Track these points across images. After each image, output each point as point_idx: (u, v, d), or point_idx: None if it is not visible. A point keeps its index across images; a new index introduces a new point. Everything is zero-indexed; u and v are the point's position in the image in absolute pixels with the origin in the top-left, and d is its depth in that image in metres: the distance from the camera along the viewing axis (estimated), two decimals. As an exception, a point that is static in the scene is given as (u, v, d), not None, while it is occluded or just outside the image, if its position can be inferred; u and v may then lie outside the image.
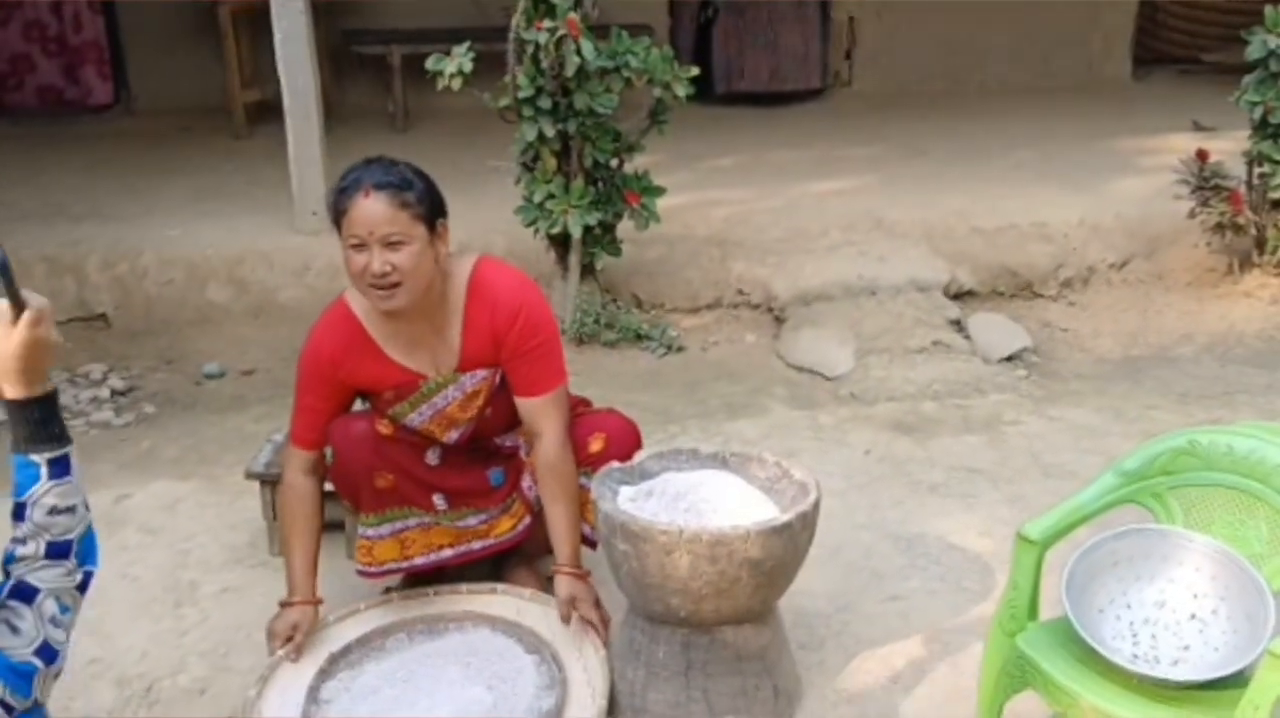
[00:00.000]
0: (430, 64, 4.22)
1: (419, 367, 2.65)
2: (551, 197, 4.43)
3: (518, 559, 2.92)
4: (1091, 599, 2.21)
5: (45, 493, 1.41)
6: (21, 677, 1.38)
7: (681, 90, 4.35)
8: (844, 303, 4.77)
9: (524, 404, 2.68)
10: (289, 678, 2.54)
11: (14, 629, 1.38)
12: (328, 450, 2.69)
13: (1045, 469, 3.64)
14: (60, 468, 1.41)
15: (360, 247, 2.46)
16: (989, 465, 3.67)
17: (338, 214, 2.50)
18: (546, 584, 2.93)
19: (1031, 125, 6.99)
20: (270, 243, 5.03)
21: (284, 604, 2.63)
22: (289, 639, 2.56)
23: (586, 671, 2.55)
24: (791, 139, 6.88)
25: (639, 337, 4.76)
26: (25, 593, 1.40)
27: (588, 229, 4.49)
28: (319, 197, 5.09)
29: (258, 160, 6.10)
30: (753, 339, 4.85)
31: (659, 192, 4.60)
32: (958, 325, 4.68)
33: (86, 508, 1.44)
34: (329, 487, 2.79)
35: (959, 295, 4.99)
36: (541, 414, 2.66)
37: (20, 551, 1.39)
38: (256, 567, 3.12)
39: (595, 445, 2.73)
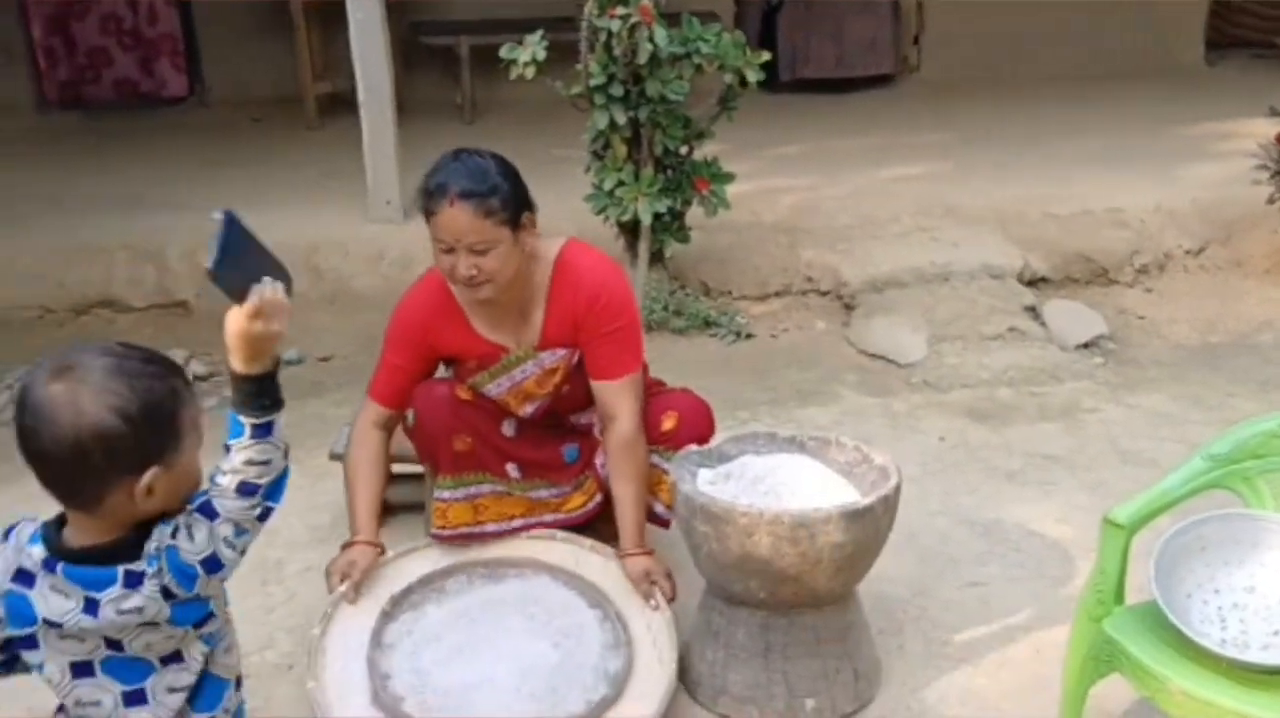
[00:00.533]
0: (504, 53, 4.25)
1: (502, 340, 2.71)
2: (622, 184, 4.45)
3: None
4: (1179, 584, 2.19)
5: (246, 447, 1.56)
6: (186, 576, 1.54)
7: (753, 76, 4.35)
8: (916, 289, 4.74)
9: (599, 387, 2.71)
10: (350, 618, 2.57)
11: (190, 537, 1.54)
12: (409, 413, 2.75)
13: (1124, 456, 3.60)
14: (263, 431, 1.57)
15: (449, 250, 2.53)
16: (1066, 453, 3.64)
17: (425, 213, 2.57)
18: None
19: (1104, 111, 6.89)
20: (345, 232, 5.11)
21: (345, 546, 2.68)
22: (347, 578, 2.60)
23: (651, 631, 2.55)
24: (859, 126, 6.84)
25: (708, 324, 4.76)
26: (209, 512, 1.56)
27: (657, 216, 4.50)
28: (393, 187, 5.18)
29: (330, 151, 6.18)
30: (822, 326, 4.84)
31: (729, 178, 4.60)
32: (1033, 312, 4.63)
33: (285, 458, 1.61)
34: (415, 469, 2.84)
35: (1033, 282, 4.93)
36: (616, 398, 2.69)
37: (219, 479, 1.57)
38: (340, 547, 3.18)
39: (667, 424, 2.76)
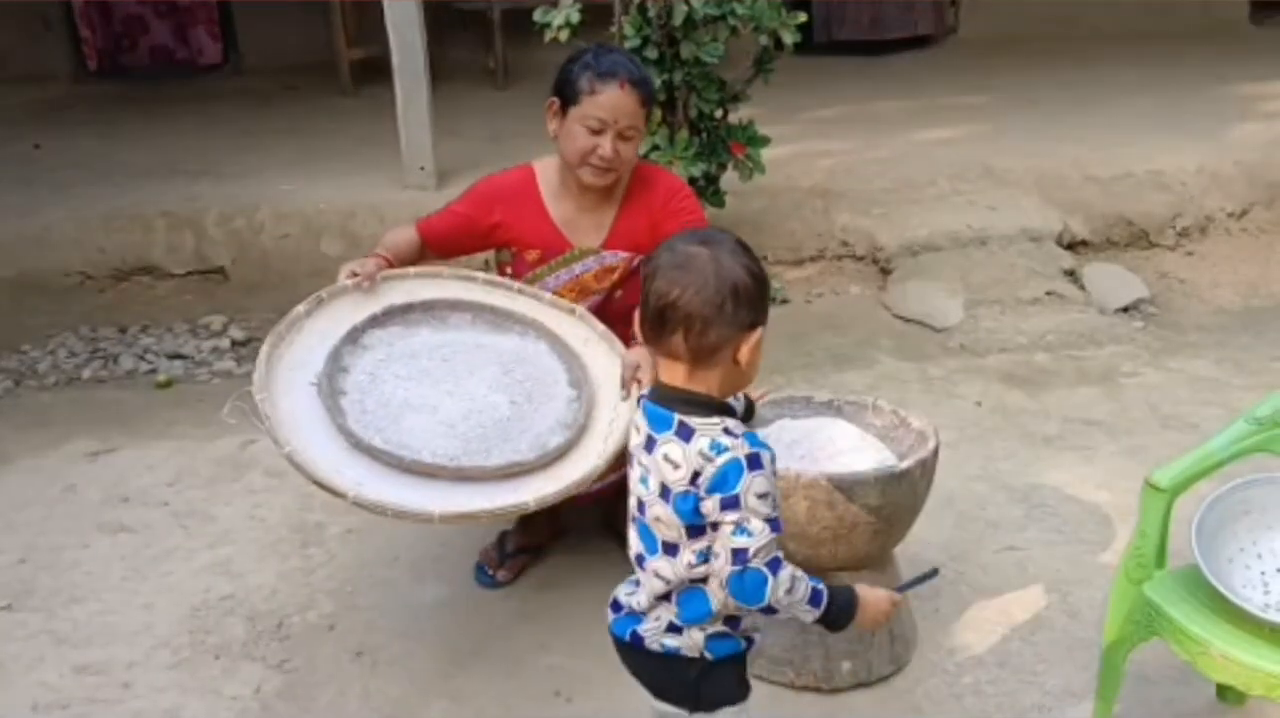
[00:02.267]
0: (538, 16, 4.23)
1: (571, 236, 2.81)
2: (656, 148, 4.42)
3: None
4: (1220, 548, 2.17)
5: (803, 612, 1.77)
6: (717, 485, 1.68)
7: (789, 37, 4.30)
8: (953, 253, 4.70)
9: None
10: (341, 312, 2.59)
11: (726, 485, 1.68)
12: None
13: (1164, 421, 3.57)
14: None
15: (597, 131, 2.65)
16: (1106, 417, 3.61)
17: (579, 91, 2.66)
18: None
19: (1145, 72, 6.77)
20: (380, 198, 5.12)
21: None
22: (355, 276, 2.65)
23: (611, 426, 2.50)
24: (895, 88, 6.77)
25: (743, 289, 4.74)
26: (744, 531, 1.68)
27: (692, 180, 4.47)
28: (427, 153, 5.18)
29: (365, 117, 6.19)
30: (858, 291, 4.81)
31: (764, 142, 4.57)
32: (1072, 276, 4.58)
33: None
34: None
35: (1072, 245, 4.88)
36: None
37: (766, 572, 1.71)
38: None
39: None
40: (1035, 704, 2.44)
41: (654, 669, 1.81)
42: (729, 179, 4.67)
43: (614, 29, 4.27)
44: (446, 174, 5.25)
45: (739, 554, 1.65)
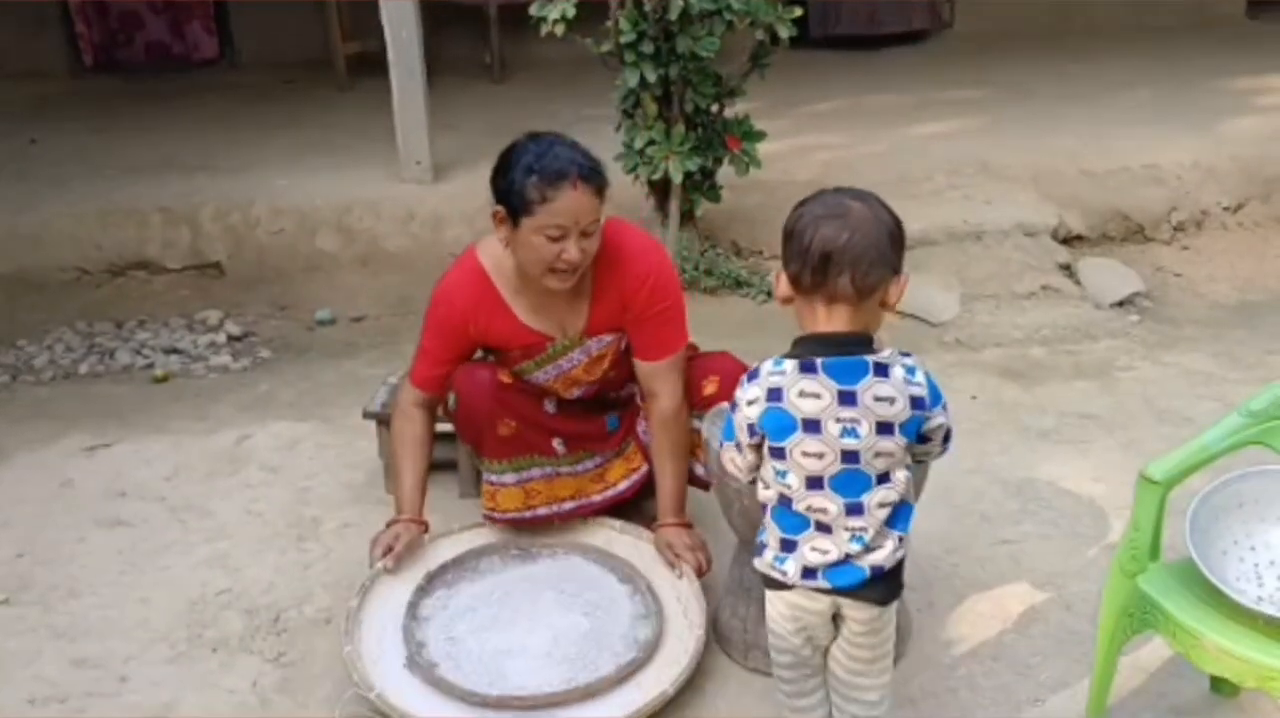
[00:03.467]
0: (534, 10, 4.23)
1: (547, 329, 2.70)
2: (652, 143, 4.43)
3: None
4: (1214, 541, 2.18)
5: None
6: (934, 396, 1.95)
7: (785, 31, 4.31)
8: (948, 248, 4.71)
9: (644, 367, 2.72)
10: (388, 592, 2.64)
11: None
12: (450, 397, 2.77)
13: (1160, 415, 3.58)
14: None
15: (560, 237, 2.46)
16: (1101, 411, 3.62)
17: (529, 201, 2.45)
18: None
19: (1141, 66, 6.78)
20: (376, 193, 5.12)
21: (390, 523, 2.74)
22: (390, 550, 2.66)
23: (681, 601, 2.60)
24: (892, 83, 6.77)
25: (738, 283, 4.75)
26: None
27: (688, 175, 4.48)
28: (423, 147, 5.18)
29: (360, 112, 6.19)
30: (854, 285, 4.81)
31: (760, 136, 4.57)
32: (1067, 270, 4.59)
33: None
34: (448, 428, 2.87)
35: (1068, 240, 4.89)
36: (661, 377, 2.70)
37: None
38: (376, 504, 3.21)
39: (709, 388, 2.75)
40: (1030, 697, 2.45)
41: (886, 586, 1.97)
42: (725, 173, 4.67)
43: (610, 23, 4.27)
44: (442, 168, 5.26)
45: (948, 431, 1.99)
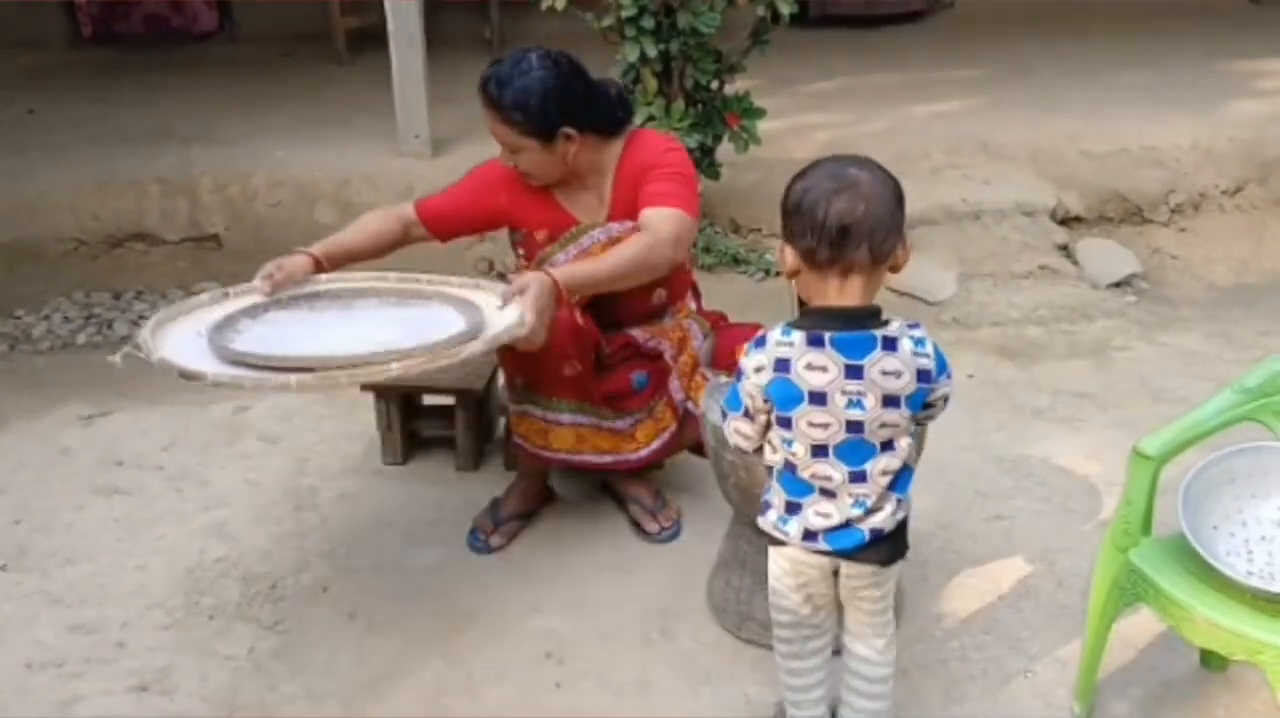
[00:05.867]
0: (534, -16, 4.22)
1: (576, 212, 2.82)
2: (652, 119, 4.42)
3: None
4: (1206, 516, 2.19)
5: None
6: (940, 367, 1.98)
7: (786, 9, 4.30)
8: (947, 227, 4.71)
9: (646, 213, 2.67)
10: (245, 302, 2.56)
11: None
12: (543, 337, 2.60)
13: (1155, 394, 3.59)
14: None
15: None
16: (1096, 390, 3.63)
17: None
18: (658, 494, 3.00)
19: (1142, 47, 6.77)
20: (375, 166, 5.11)
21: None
22: (271, 277, 2.61)
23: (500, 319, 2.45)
24: (891, 62, 6.75)
25: (736, 261, 4.75)
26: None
27: (688, 151, 4.47)
28: (422, 121, 5.17)
29: (359, 85, 6.18)
30: (852, 264, 4.81)
31: (760, 113, 4.57)
32: (1065, 250, 4.60)
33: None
34: (441, 402, 2.87)
35: (1066, 220, 4.89)
36: (658, 218, 2.63)
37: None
38: (373, 475, 3.23)
39: (741, 354, 2.75)
40: (1020, 670, 2.47)
41: (889, 547, 2.01)
42: (724, 151, 4.67)
43: (610, -2, 4.26)
44: (442, 142, 5.25)
45: (948, 397, 2.03)
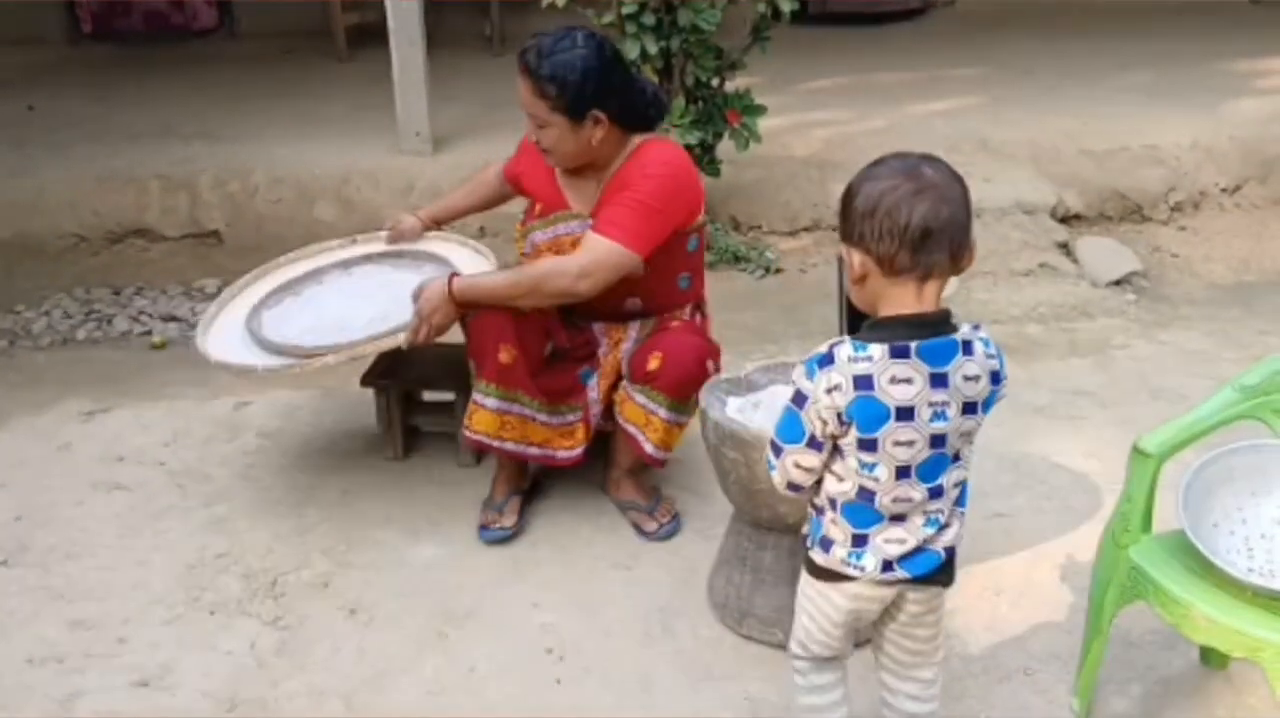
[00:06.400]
0: (535, -19, 4.22)
1: (569, 197, 2.90)
2: (653, 115, 4.42)
3: (619, 473, 2.99)
4: (1206, 514, 2.19)
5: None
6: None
7: (787, 6, 4.30)
8: (947, 225, 4.71)
9: (584, 236, 2.75)
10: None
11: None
12: (468, 316, 2.82)
13: (1154, 392, 3.60)
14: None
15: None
16: (1096, 388, 3.64)
17: None
18: (653, 493, 3.00)
19: (1143, 46, 6.77)
20: (375, 163, 5.11)
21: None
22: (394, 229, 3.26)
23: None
24: (892, 60, 6.75)
25: (737, 258, 4.75)
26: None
27: (688, 149, 4.47)
28: (423, 119, 5.17)
29: (360, 83, 6.17)
30: (852, 262, 4.81)
31: (760, 111, 4.56)
32: (1065, 249, 4.60)
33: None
34: (441, 397, 2.88)
35: (1066, 218, 4.89)
36: (586, 245, 2.72)
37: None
38: (373, 471, 3.24)
39: (652, 364, 2.79)
40: (1020, 667, 2.47)
41: (951, 567, 1.94)
42: (725, 148, 4.67)
43: (612, -5, 4.26)
44: (442, 140, 5.25)
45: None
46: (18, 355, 4.16)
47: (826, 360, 1.79)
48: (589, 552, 2.89)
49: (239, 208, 5.00)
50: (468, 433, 2.86)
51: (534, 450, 2.87)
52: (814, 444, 1.84)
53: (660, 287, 2.89)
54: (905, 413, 1.76)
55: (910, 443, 1.78)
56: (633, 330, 2.94)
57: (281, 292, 3.15)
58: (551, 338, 2.91)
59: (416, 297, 2.75)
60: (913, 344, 1.76)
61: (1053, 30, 7.16)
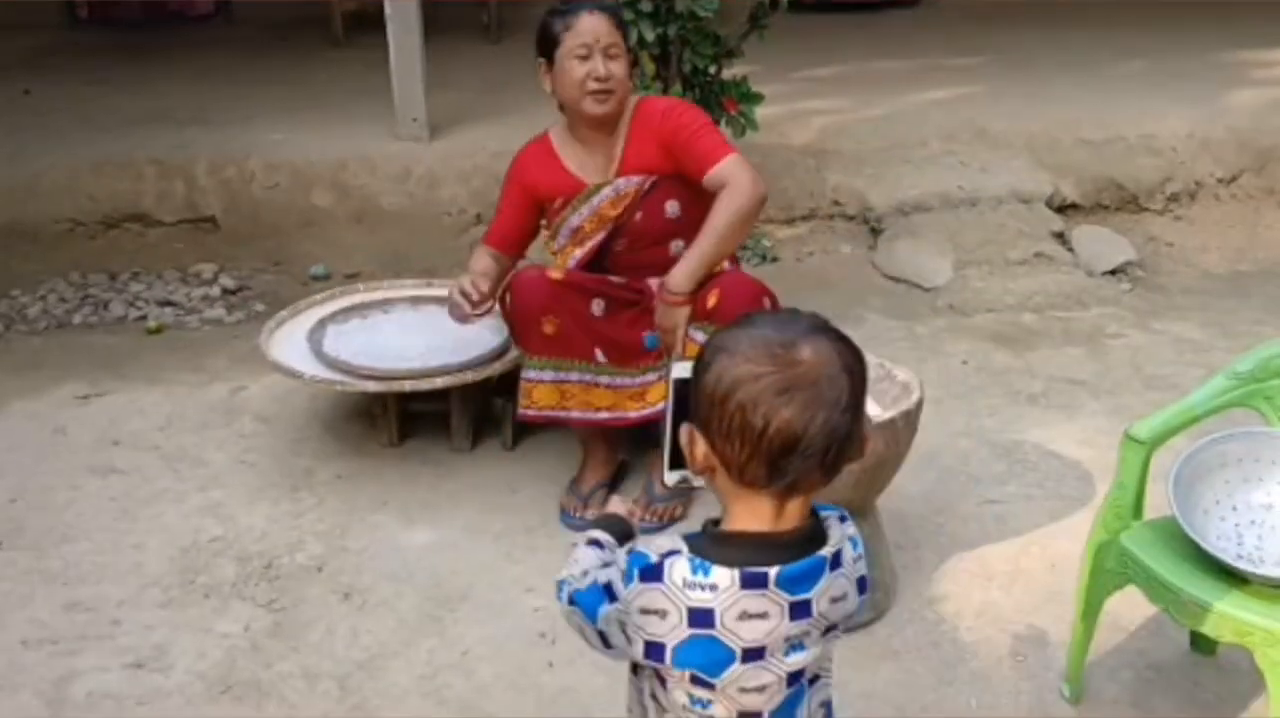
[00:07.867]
0: (532, -33, 4.21)
1: (586, 176, 3.00)
2: (650, 102, 4.42)
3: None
4: (1197, 501, 2.20)
5: None
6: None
7: (785, -8, 4.29)
8: (943, 214, 4.71)
9: (711, 175, 2.85)
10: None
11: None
12: (507, 294, 2.93)
13: (1148, 381, 3.61)
14: None
15: (585, 57, 2.86)
16: (1090, 377, 3.64)
17: (556, 34, 2.90)
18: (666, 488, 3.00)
19: (1141, 36, 6.76)
20: (372, 149, 5.10)
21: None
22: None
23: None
24: (889, 49, 6.74)
25: (733, 246, 4.75)
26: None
27: (685, 136, 4.47)
28: (419, 105, 5.15)
29: (356, 68, 6.15)
30: (848, 250, 4.83)
31: (758, 99, 4.56)
32: (1060, 238, 4.60)
33: None
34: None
35: (1062, 208, 4.89)
36: (729, 172, 2.83)
37: None
38: (368, 456, 3.24)
39: (711, 301, 2.80)
40: (1011, 652, 2.49)
41: None
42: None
43: (608, -19, 4.25)
44: (439, 126, 5.24)
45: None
46: (13, 340, 4.16)
47: (651, 574, 1.32)
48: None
49: (235, 193, 4.99)
50: (530, 413, 2.88)
51: (603, 414, 2.90)
52: (609, 646, 1.41)
53: (699, 228, 2.90)
54: (754, 654, 1.33)
55: (761, 688, 1.35)
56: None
57: (350, 312, 3.41)
58: (599, 295, 2.94)
59: (669, 336, 2.85)
60: (771, 571, 1.30)
61: (1050, 20, 7.15)
